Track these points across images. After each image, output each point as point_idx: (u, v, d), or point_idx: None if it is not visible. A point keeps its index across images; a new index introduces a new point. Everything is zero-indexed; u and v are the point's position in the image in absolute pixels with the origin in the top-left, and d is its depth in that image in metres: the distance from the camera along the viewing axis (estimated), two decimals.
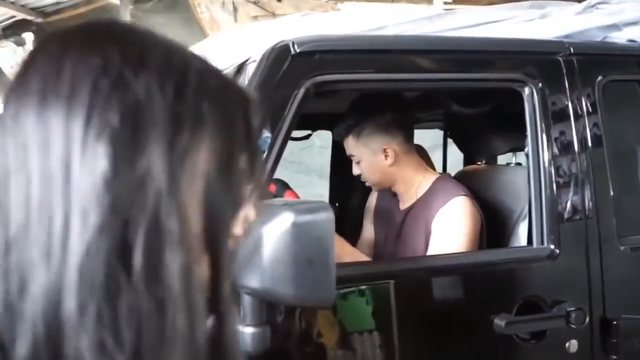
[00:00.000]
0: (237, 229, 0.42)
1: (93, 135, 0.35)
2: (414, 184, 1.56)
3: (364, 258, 1.43)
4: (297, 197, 1.49)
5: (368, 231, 1.78)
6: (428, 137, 2.58)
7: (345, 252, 1.35)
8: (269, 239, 0.97)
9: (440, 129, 2.51)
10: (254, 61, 1.29)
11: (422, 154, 1.89)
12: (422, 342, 1.25)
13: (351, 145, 1.57)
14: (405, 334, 1.21)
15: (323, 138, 2.87)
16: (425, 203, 1.51)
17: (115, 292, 0.34)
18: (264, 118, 1.20)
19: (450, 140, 2.33)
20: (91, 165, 0.35)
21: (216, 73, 0.42)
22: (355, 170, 1.61)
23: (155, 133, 0.36)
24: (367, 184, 1.64)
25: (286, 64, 1.21)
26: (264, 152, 1.18)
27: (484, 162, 1.96)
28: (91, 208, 0.34)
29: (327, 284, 0.95)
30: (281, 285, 0.96)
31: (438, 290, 1.27)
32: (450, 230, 1.41)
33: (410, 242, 1.51)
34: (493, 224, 1.52)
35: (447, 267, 1.31)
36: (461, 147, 2.10)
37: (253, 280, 1.01)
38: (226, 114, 0.40)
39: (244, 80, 1.31)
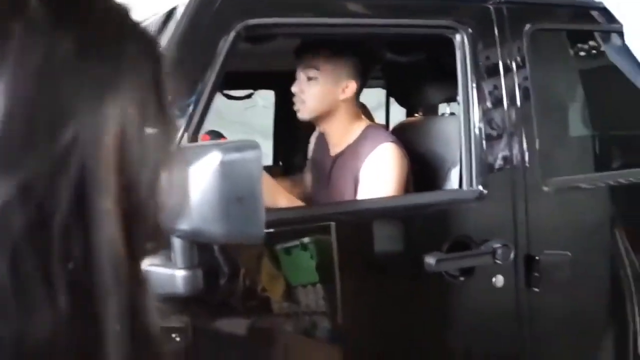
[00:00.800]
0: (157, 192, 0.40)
1: None
2: (346, 130, 1.56)
3: (299, 204, 1.44)
4: None
5: (307, 179, 1.79)
6: (372, 96, 2.60)
7: (280, 198, 1.35)
8: (196, 178, 0.96)
9: (382, 87, 2.53)
10: (183, 5, 1.26)
11: (365, 111, 1.90)
12: (357, 282, 1.28)
13: (322, 58, 1.48)
14: (340, 276, 1.24)
15: (266, 98, 2.84)
16: (354, 150, 1.52)
17: (35, 269, 0.32)
18: (193, 64, 1.17)
19: (393, 100, 2.35)
20: None
21: (133, 24, 0.39)
22: (298, 87, 1.51)
23: (70, 91, 0.33)
24: (295, 107, 1.54)
25: (215, 6, 1.18)
26: (191, 103, 1.15)
27: (421, 113, 1.99)
28: None
29: (257, 220, 0.96)
30: (210, 224, 0.96)
31: (372, 232, 1.30)
32: (378, 175, 1.43)
33: (339, 188, 1.52)
34: (427, 171, 1.56)
35: (381, 209, 1.34)
36: (400, 102, 2.13)
37: (182, 222, 1.00)
38: (141, 68, 0.38)
39: (172, 26, 1.27)
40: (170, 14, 1.34)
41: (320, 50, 1.48)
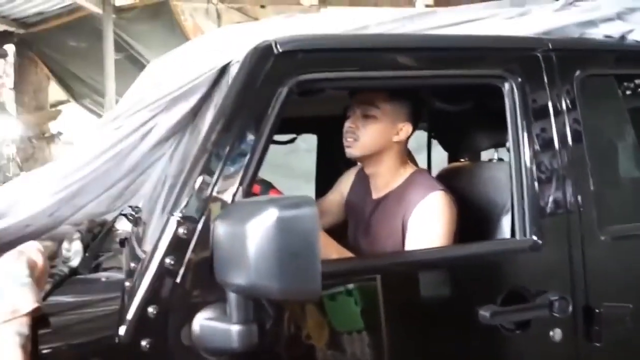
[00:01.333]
0: None
1: None
2: (393, 173, 1.54)
3: (348, 254, 1.43)
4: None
5: (330, 203, 1.79)
6: (412, 138, 2.60)
7: (332, 250, 1.35)
8: (253, 234, 0.98)
9: (424, 129, 2.53)
10: (237, 62, 1.30)
11: (409, 156, 1.90)
12: (410, 335, 1.25)
13: (382, 97, 1.48)
14: (392, 328, 1.22)
15: (308, 141, 2.88)
16: (400, 195, 1.50)
17: None
18: (247, 118, 1.21)
19: (434, 142, 2.35)
20: None
21: None
22: (353, 124, 1.49)
23: None
24: (346, 142, 1.51)
25: (269, 64, 1.22)
26: (246, 154, 1.18)
27: (466, 159, 1.98)
28: None
29: (313, 276, 0.96)
30: (267, 280, 0.97)
31: (424, 283, 1.28)
32: (428, 225, 1.41)
33: (382, 233, 1.50)
34: (477, 218, 1.54)
35: (433, 260, 1.32)
36: (445, 146, 2.12)
37: (238, 277, 1.01)
38: None
39: (228, 81, 1.32)
40: (224, 69, 1.40)
41: (379, 89, 1.49)
